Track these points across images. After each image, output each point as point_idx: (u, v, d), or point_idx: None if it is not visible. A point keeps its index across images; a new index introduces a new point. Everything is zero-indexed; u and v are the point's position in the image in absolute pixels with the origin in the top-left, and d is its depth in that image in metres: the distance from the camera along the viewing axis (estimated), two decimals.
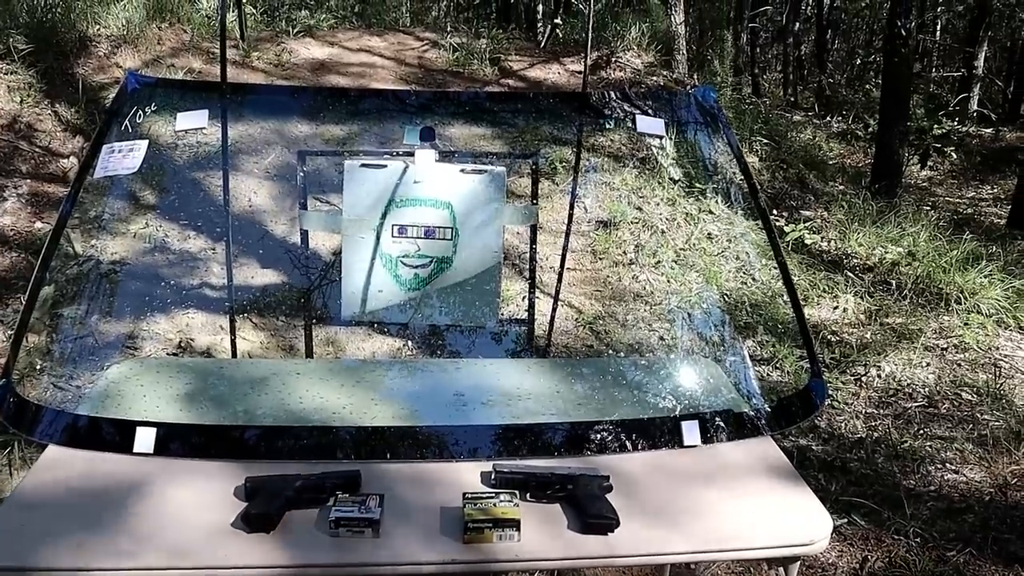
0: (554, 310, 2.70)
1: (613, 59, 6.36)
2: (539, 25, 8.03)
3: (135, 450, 1.50)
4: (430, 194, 2.17)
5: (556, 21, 7.07)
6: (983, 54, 10.11)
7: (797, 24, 12.52)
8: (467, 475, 1.48)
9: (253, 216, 4.15)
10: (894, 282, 4.35)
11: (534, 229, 2.36)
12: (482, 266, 2.20)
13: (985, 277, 4.28)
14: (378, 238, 2.18)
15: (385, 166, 2.17)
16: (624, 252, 4.37)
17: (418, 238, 2.18)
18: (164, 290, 3.49)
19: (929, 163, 8.20)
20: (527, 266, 3.01)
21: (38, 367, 2.88)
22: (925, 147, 8.02)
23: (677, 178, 4.92)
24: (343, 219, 2.19)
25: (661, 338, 3.71)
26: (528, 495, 1.41)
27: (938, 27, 12.50)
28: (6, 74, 4.60)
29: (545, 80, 6.17)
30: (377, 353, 3.40)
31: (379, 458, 1.53)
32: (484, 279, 2.20)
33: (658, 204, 4.76)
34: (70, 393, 2.61)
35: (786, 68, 12.46)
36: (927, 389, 3.43)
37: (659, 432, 1.62)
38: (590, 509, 1.36)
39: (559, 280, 2.64)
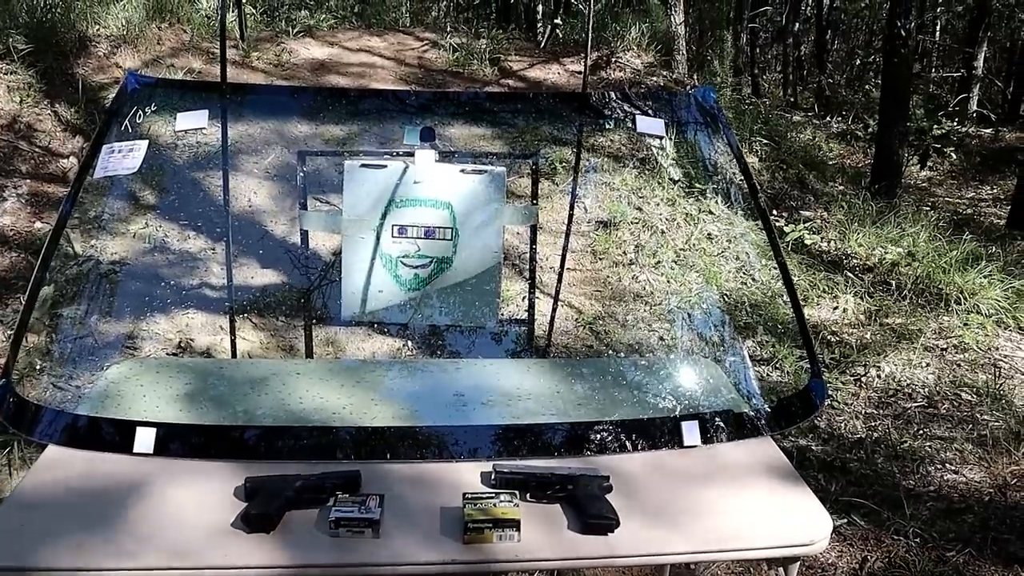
0: (554, 310, 2.70)
1: (613, 59, 6.36)
2: (539, 25, 8.03)
3: (135, 450, 1.50)
4: (430, 194, 2.17)
5: (556, 21, 7.07)
6: (983, 54, 10.11)
7: (797, 24, 12.52)
8: (467, 475, 1.48)
9: (253, 216, 4.15)
10: (894, 282, 4.35)
11: (534, 229, 2.36)
12: (482, 266, 2.20)
13: (985, 277, 4.29)
14: (378, 238, 2.18)
15: (385, 166, 2.17)
16: (624, 252, 4.37)
17: (418, 238, 2.18)
18: (164, 290, 3.49)
19: (929, 163, 8.21)
20: (527, 266, 3.01)
21: (38, 367, 2.88)
22: (925, 147, 8.02)
23: (677, 178, 4.92)
24: (343, 219, 2.19)
25: (661, 338, 3.71)
26: (528, 495, 1.41)
27: (938, 27, 12.50)
28: (6, 74, 4.60)
29: (545, 80, 6.17)
30: (377, 353, 3.40)
31: (379, 458, 1.53)
32: (484, 279, 2.20)
33: (658, 204, 4.76)
34: (70, 393, 2.61)
35: (786, 68, 12.46)
36: (927, 389, 3.43)
37: (659, 432, 1.62)
38: (590, 509, 1.36)
39: (559, 280, 2.64)
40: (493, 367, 2.01)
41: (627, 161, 5.13)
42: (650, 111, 2.10)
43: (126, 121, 1.88)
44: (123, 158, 1.80)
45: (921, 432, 3.10)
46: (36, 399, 2.52)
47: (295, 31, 6.44)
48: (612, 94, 2.14)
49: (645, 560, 1.40)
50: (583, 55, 6.13)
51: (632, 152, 5.23)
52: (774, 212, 5.22)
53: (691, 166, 4.97)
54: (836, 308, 4.12)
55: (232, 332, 2.30)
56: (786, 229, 4.81)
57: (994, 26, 11.45)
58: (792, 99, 11.37)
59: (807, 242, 4.77)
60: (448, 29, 6.88)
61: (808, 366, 1.90)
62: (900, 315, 4.06)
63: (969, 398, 3.36)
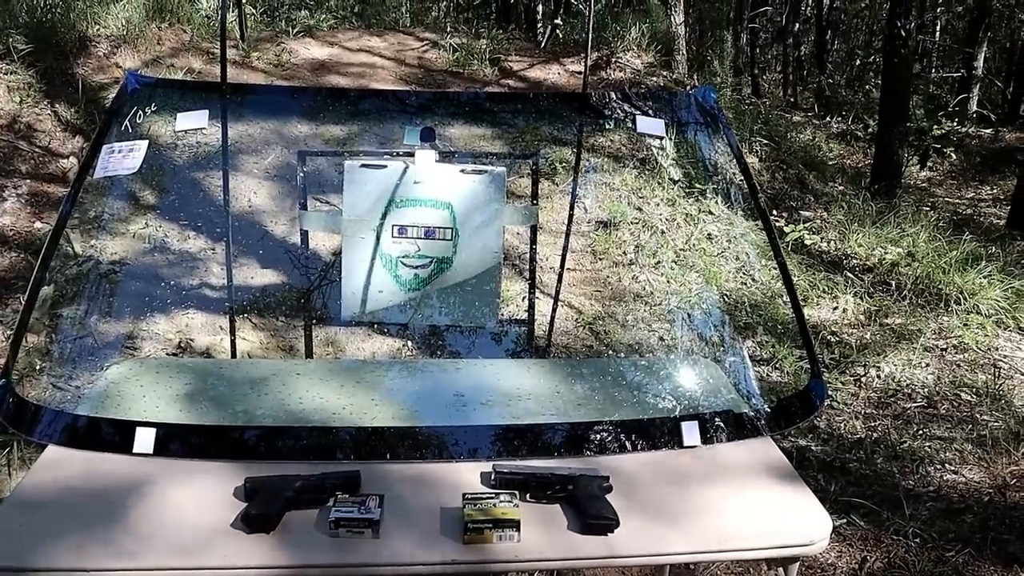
0: (554, 310, 2.70)
1: (613, 59, 6.36)
2: (539, 25, 8.03)
3: (135, 450, 1.50)
4: (430, 194, 2.17)
5: (556, 21, 7.07)
6: (982, 55, 10.11)
7: (797, 24, 12.53)
8: (467, 475, 1.48)
9: (253, 216, 4.15)
10: (894, 283, 4.35)
11: (534, 229, 2.36)
12: (482, 266, 2.20)
13: (984, 278, 4.29)
14: (378, 238, 2.18)
15: (385, 166, 2.17)
16: (624, 252, 4.37)
17: (418, 238, 2.18)
18: (164, 290, 3.49)
19: (929, 164, 8.21)
20: (527, 266, 3.01)
21: (38, 367, 2.88)
22: (925, 148, 8.03)
23: (677, 178, 4.92)
24: (343, 219, 2.19)
25: (661, 338, 3.71)
26: (528, 495, 1.41)
27: (938, 28, 12.50)
28: (6, 74, 4.60)
29: (545, 80, 6.18)
30: (377, 353, 3.40)
31: (379, 458, 1.53)
32: (484, 279, 2.20)
33: (658, 204, 4.76)
34: (69, 393, 2.62)
35: (786, 69, 12.46)
36: (926, 390, 3.43)
37: (659, 432, 1.62)
38: (590, 509, 1.36)
39: (559, 280, 2.64)
40: (493, 367, 2.01)
41: (627, 161, 5.13)
42: (650, 111, 2.10)
43: (126, 121, 1.88)
44: (123, 158, 1.80)
45: (921, 432, 3.10)
46: (36, 399, 2.52)
47: (295, 31, 6.44)
48: (612, 94, 2.14)
49: (645, 560, 1.40)
50: (583, 55, 6.13)
51: (632, 152, 5.24)
52: (774, 212, 5.22)
53: (691, 166, 4.97)
54: (836, 308, 4.12)
55: (232, 332, 2.30)
56: (786, 229, 4.81)
57: (994, 26, 11.45)
58: (792, 99, 11.38)
59: (807, 242, 4.77)
60: (448, 29, 6.88)
61: (808, 366, 1.91)
62: (900, 315, 4.06)
63: (969, 398, 3.36)
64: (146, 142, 1.83)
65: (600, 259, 4.32)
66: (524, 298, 3.08)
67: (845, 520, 2.50)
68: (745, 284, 4.23)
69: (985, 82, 10.84)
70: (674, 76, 6.61)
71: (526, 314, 2.43)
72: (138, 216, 3.94)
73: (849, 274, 4.44)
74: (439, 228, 2.18)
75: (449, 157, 2.33)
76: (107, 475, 1.44)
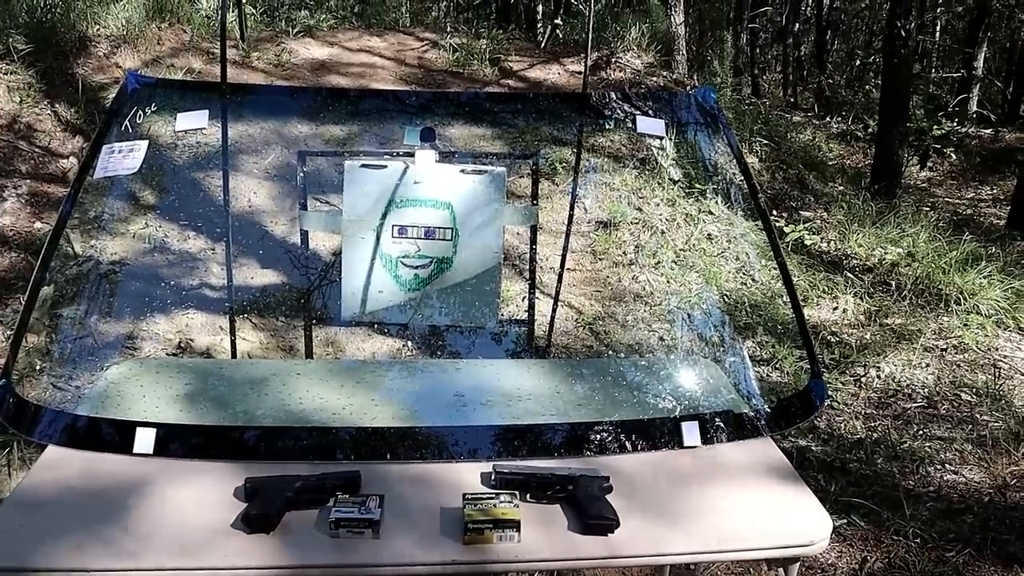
0: (554, 311, 2.70)
1: (613, 60, 6.36)
2: (539, 25, 8.03)
3: (135, 451, 1.50)
4: (430, 194, 2.17)
5: (556, 22, 7.07)
6: (982, 55, 10.11)
7: (797, 25, 12.53)
8: (467, 476, 1.48)
9: (253, 216, 4.15)
10: (894, 283, 4.35)
11: (534, 230, 2.36)
12: (482, 266, 2.20)
13: (984, 278, 4.29)
14: (378, 238, 2.18)
15: (385, 166, 2.17)
16: (624, 252, 4.37)
17: (418, 238, 2.18)
18: (164, 290, 3.49)
19: (929, 164, 8.21)
20: (527, 266, 3.01)
21: (38, 367, 2.88)
22: (925, 148, 8.03)
23: (677, 179, 4.92)
24: (343, 219, 2.19)
25: (661, 339, 3.71)
26: (528, 496, 1.41)
27: (938, 28, 12.51)
28: (6, 74, 4.60)
29: (545, 80, 6.18)
30: (377, 354, 3.40)
31: (379, 459, 1.53)
32: (484, 279, 2.20)
33: (658, 204, 4.76)
34: (69, 393, 2.61)
35: (786, 69, 12.46)
36: (926, 390, 3.43)
37: (659, 433, 1.62)
38: (590, 510, 1.36)
39: (559, 280, 2.64)
40: (493, 367, 2.01)
41: (627, 161, 5.13)
42: (650, 111, 2.10)
43: (126, 121, 1.88)
44: (123, 158, 1.80)
45: (921, 432, 3.10)
46: (36, 399, 2.52)
47: (295, 31, 6.44)
48: (612, 94, 2.14)
49: (645, 560, 1.40)
50: (583, 55, 6.13)
51: (632, 152, 5.24)
52: (774, 212, 5.22)
53: (691, 166, 4.97)
54: (836, 308, 4.12)
55: (232, 332, 2.30)
56: (786, 229, 4.81)
57: (994, 26, 11.45)
58: (792, 99, 11.38)
59: (807, 242, 4.77)
60: (448, 29, 6.88)
61: (808, 366, 1.91)
62: (900, 315, 4.06)
63: (969, 398, 3.36)
64: (146, 142, 1.83)
65: (600, 259, 4.32)
66: (524, 298, 3.08)
67: (845, 520, 2.50)
68: (745, 284, 4.23)
69: (985, 82, 10.84)
70: (674, 76, 6.61)
71: (526, 314, 2.43)
72: (138, 216, 3.94)
73: (849, 274, 4.44)
74: (439, 228, 2.18)
75: (449, 157, 2.33)
76: (107, 475, 1.44)
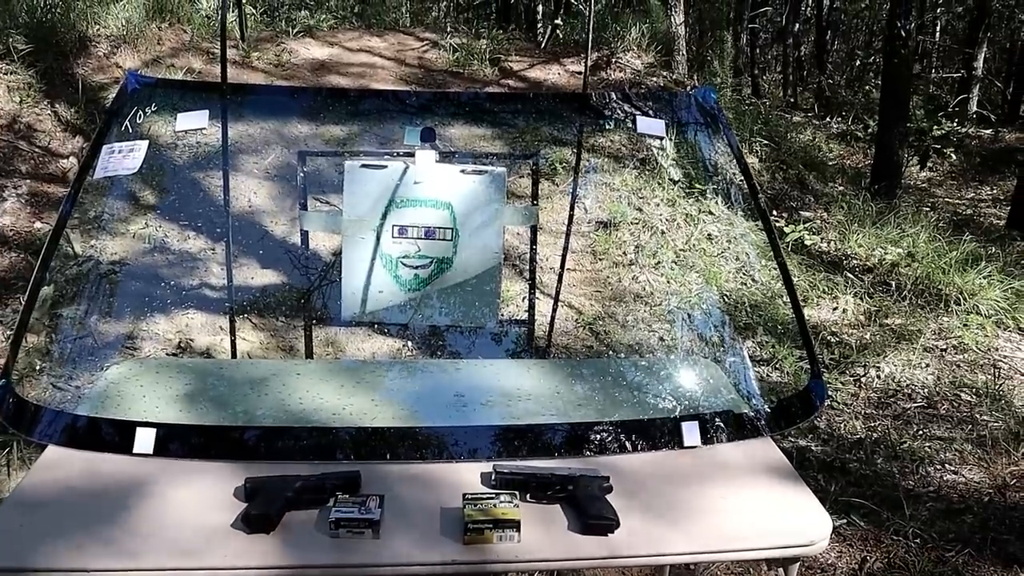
0: (554, 311, 2.70)
1: (613, 60, 6.36)
2: (539, 26, 8.04)
3: (135, 451, 1.50)
4: (430, 195, 2.17)
5: (556, 22, 7.07)
6: (982, 55, 10.12)
7: (797, 25, 12.53)
8: (467, 476, 1.48)
9: (253, 216, 4.15)
10: (893, 283, 4.36)
11: (534, 230, 2.36)
12: (482, 267, 2.20)
13: (984, 278, 4.29)
14: (378, 238, 2.18)
15: (385, 166, 2.17)
16: (624, 253, 4.37)
17: (418, 239, 2.18)
18: (164, 290, 3.49)
19: (929, 164, 8.22)
20: (527, 267, 3.01)
21: (38, 367, 2.88)
22: (925, 148, 8.03)
23: (677, 179, 4.92)
24: (343, 219, 2.19)
25: (661, 339, 3.71)
26: (528, 496, 1.41)
27: (938, 28, 12.51)
28: (6, 74, 4.60)
29: (545, 81, 6.18)
30: (377, 354, 3.40)
31: (379, 459, 1.53)
32: (484, 280, 2.20)
33: (658, 205, 4.76)
34: (69, 393, 2.61)
35: (786, 69, 12.46)
36: (926, 390, 3.43)
37: (659, 433, 1.62)
38: (590, 510, 1.36)
39: (559, 281, 2.64)
40: (493, 367, 2.01)
41: (627, 161, 5.13)
42: (650, 111, 2.10)
43: (126, 121, 1.88)
44: (123, 158, 1.80)
45: (921, 433, 3.10)
46: (36, 399, 2.52)
47: (295, 31, 6.44)
48: (612, 94, 2.14)
49: (645, 560, 1.40)
50: (583, 55, 6.13)
51: (632, 152, 5.24)
52: (774, 212, 5.22)
53: (691, 166, 4.97)
54: (836, 308, 4.12)
55: (232, 332, 2.30)
56: (786, 230, 4.81)
57: (994, 27, 11.45)
58: (792, 100, 11.38)
59: (807, 243, 4.77)
60: (448, 29, 6.88)
61: (808, 366, 1.91)
62: (900, 316, 4.06)
63: (968, 399, 3.36)
64: (146, 142, 1.83)
65: (600, 259, 4.32)
66: (524, 298, 3.08)
67: (845, 520, 2.50)
68: (745, 284, 4.23)
69: (985, 82, 10.84)
70: (674, 76, 6.61)
71: (526, 314, 2.43)
72: (138, 216, 3.94)
73: (849, 274, 4.44)
74: (439, 228, 2.18)
75: (449, 157, 2.33)
76: (107, 475, 1.44)
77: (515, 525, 1.31)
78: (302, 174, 2.23)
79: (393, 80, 5.87)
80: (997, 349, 3.80)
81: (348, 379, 1.87)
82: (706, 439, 1.61)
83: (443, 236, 2.18)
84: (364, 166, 2.17)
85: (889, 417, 3.22)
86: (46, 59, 4.78)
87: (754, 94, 10.09)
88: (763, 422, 1.68)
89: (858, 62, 13.04)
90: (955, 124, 8.31)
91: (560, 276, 2.60)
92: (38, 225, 3.84)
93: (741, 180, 2.53)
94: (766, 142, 6.16)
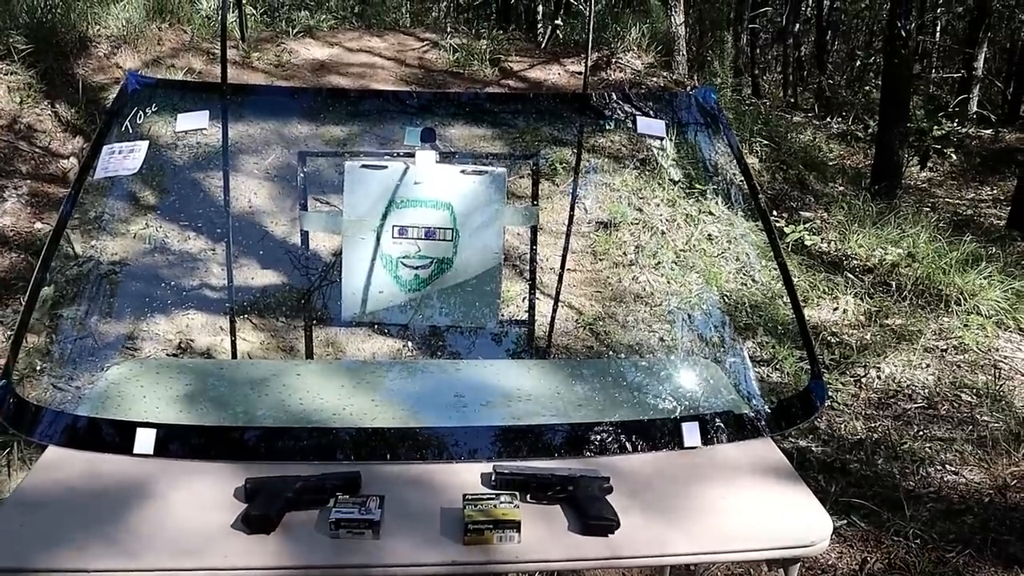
0: (554, 311, 2.70)
1: (613, 60, 6.36)
2: (539, 26, 8.04)
3: (135, 451, 1.50)
4: (430, 195, 2.17)
5: (556, 22, 7.07)
6: (983, 55, 10.12)
7: (797, 25, 12.53)
8: (467, 476, 1.48)
9: (253, 217, 4.15)
10: (894, 283, 4.35)
11: (534, 230, 2.36)
12: (482, 267, 2.20)
13: (985, 278, 4.29)
14: (378, 239, 2.18)
15: (386, 167, 2.17)
16: (624, 253, 4.37)
17: (418, 239, 2.18)
18: (164, 291, 3.49)
19: (929, 164, 8.22)
20: (527, 267, 3.01)
21: (38, 368, 2.88)
22: (925, 148, 8.03)
23: (677, 179, 4.92)
24: (343, 220, 2.19)
25: (661, 339, 3.71)
26: (528, 496, 1.41)
27: (938, 28, 12.51)
28: (6, 74, 4.60)
29: (545, 81, 6.18)
30: (377, 354, 3.40)
31: (379, 459, 1.53)
32: (484, 280, 2.20)
33: (658, 205, 4.76)
34: (70, 394, 2.61)
35: (786, 69, 12.46)
36: (927, 390, 3.43)
37: (659, 433, 1.62)
38: (590, 510, 1.36)
39: (559, 281, 2.64)
40: (493, 368, 2.01)
41: (627, 162, 5.13)
42: (650, 112, 2.10)
43: (127, 122, 1.88)
44: (124, 159, 1.80)
45: (921, 433, 3.10)
46: (36, 400, 2.52)
47: (295, 31, 6.44)
48: (612, 95, 2.14)
49: (645, 561, 1.40)
50: (583, 56, 6.13)
51: (632, 153, 5.24)
52: (774, 213, 5.22)
53: (691, 167, 4.97)
54: (836, 309, 4.12)
55: (232, 333, 2.30)
56: (786, 230, 4.81)
57: (994, 27, 11.45)
58: (792, 100, 11.38)
59: (807, 243, 4.77)
60: (448, 30, 6.88)
61: (808, 367, 1.91)
62: (900, 316, 4.06)
63: (969, 399, 3.36)
64: (146, 143, 1.83)
65: (600, 260, 4.32)
66: (524, 299, 3.08)
67: (846, 521, 2.50)
68: (745, 285, 4.23)
69: (985, 83, 10.84)
70: (674, 77, 6.61)
71: (526, 315, 2.43)
72: (138, 217, 3.94)
73: (849, 275, 4.44)
74: (439, 229, 2.18)
75: (449, 158, 2.33)
76: (107, 476, 1.44)
77: (515, 526, 1.31)
78: (302, 174, 2.23)
79: (393, 80, 5.87)
80: (997, 349, 3.80)
81: (348, 379, 1.87)
82: (706, 440, 1.61)
83: (443, 236, 2.18)
84: (364, 166, 2.17)
85: (889, 418, 3.22)
86: (46, 59, 4.79)
87: (754, 94, 10.09)
88: (763, 423, 1.68)
89: (858, 62, 13.04)
90: (955, 124, 8.31)
91: (560, 276, 2.60)
92: (38, 225, 3.84)
93: (741, 180, 2.53)
94: (766, 142, 6.16)
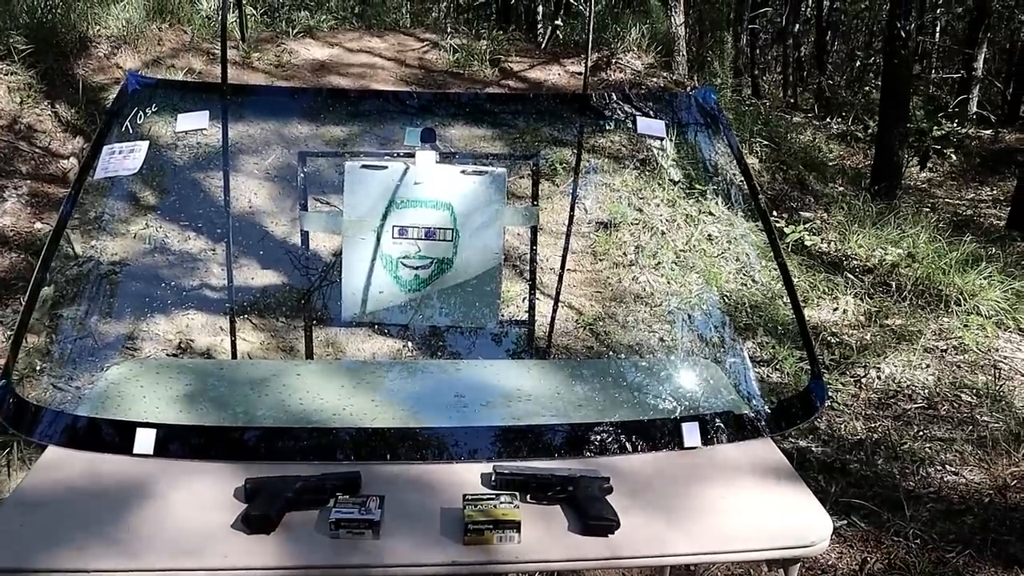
0: (554, 311, 2.70)
1: (613, 60, 6.36)
2: (539, 26, 8.04)
3: (135, 451, 1.50)
4: (431, 195, 2.17)
5: (556, 22, 7.07)
6: (982, 56, 10.12)
7: (797, 25, 12.53)
8: (467, 476, 1.48)
9: (253, 217, 4.15)
10: (894, 283, 4.35)
11: (534, 230, 2.36)
12: (482, 267, 2.20)
13: (985, 279, 4.29)
14: (378, 239, 2.18)
15: (386, 167, 2.17)
16: (624, 253, 4.37)
17: (418, 239, 2.18)
18: (164, 291, 3.49)
19: (929, 165, 8.22)
20: (527, 267, 3.01)
21: (38, 368, 2.88)
22: (925, 149, 8.03)
23: (677, 179, 4.92)
24: (343, 220, 2.19)
25: (661, 339, 3.71)
26: (528, 496, 1.41)
27: (937, 29, 12.51)
28: (6, 75, 4.60)
29: (545, 81, 6.18)
30: (377, 354, 3.40)
31: (379, 459, 1.53)
32: (484, 280, 2.20)
33: (658, 205, 4.76)
34: (70, 394, 2.61)
35: (786, 69, 12.47)
36: (927, 391, 3.43)
37: (659, 433, 1.62)
38: (590, 510, 1.36)
39: (559, 281, 2.64)
40: (493, 368, 2.01)
41: (627, 162, 5.13)
42: (650, 112, 2.10)
43: (127, 122, 1.89)
44: (124, 159, 1.80)
45: (921, 433, 3.10)
46: (36, 400, 2.52)
47: (295, 32, 6.44)
48: (612, 95, 2.14)
49: (646, 561, 1.40)
50: (583, 56, 6.13)
51: (632, 153, 5.24)
52: (774, 213, 5.22)
53: (691, 167, 4.97)
54: (836, 309, 4.12)
55: (232, 333, 2.30)
56: (786, 230, 4.81)
57: (994, 27, 11.45)
58: (792, 100, 11.38)
59: (807, 243, 4.77)
60: (448, 30, 6.88)
61: (808, 367, 1.91)
62: (900, 316, 4.06)
63: (969, 399, 3.36)
64: (147, 143, 1.83)
65: (600, 260, 4.32)
66: (524, 299, 3.08)
67: (846, 521, 2.50)
68: (745, 285, 4.23)
69: (985, 83, 10.84)
70: (674, 77, 6.61)
71: (526, 315, 2.43)
72: (138, 217, 3.94)
73: (849, 275, 4.44)
74: (439, 229, 2.18)
75: (449, 158, 2.33)
76: (107, 476, 1.44)
77: (515, 526, 1.31)
78: (302, 175, 2.23)
79: (393, 81, 5.87)
80: (997, 350, 3.80)
81: (348, 380, 1.87)
82: (706, 440, 1.61)
83: (443, 237, 2.18)
84: (364, 167, 2.17)
85: (889, 418, 3.22)
86: (46, 60, 4.79)
87: (754, 95, 10.10)
88: (763, 423, 1.68)
89: (858, 63, 13.04)
90: (955, 125, 8.31)
91: (560, 277, 2.60)
92: (38, 225, 3.85)
93: (741, 181, 2.53)
94: (766, 143, 6.16)
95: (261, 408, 1.72)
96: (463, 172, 2.18)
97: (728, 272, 4.30)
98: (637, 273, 4.20)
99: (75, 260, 3.55)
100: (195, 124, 1.92)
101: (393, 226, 2.17)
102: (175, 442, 1.52)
